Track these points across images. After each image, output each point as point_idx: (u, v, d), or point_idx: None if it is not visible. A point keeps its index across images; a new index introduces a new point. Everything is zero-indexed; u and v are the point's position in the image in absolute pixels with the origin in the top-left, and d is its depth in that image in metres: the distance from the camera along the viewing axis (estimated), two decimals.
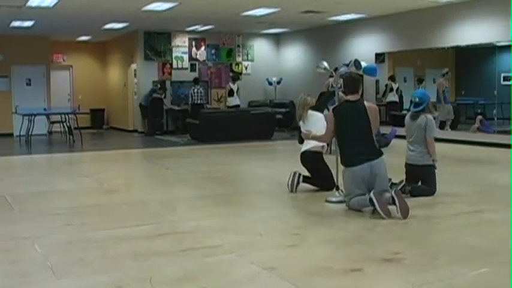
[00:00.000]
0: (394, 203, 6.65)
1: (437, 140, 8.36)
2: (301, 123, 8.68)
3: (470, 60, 16.86)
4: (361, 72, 7.93)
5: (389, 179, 7.40)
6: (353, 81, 7.25)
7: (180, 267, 4.91)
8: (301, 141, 8.76)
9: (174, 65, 20.74)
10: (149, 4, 14.61)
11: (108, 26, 18.57)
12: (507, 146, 13.77)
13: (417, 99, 8.04)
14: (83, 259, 5.20)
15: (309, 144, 8.48)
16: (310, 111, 8.61)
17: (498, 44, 15.16)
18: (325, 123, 7.81)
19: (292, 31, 21.41)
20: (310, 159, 8.50)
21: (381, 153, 7.00)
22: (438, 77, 16.71)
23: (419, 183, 8.03)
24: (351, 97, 7.18)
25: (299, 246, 5.65)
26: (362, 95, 7.52)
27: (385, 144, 7.79)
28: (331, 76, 13.53)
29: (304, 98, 8.77)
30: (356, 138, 7.05)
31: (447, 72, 16.36)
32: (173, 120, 20.65)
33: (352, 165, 6.99)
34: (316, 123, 8.39)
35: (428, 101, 8.08)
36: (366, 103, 7.15)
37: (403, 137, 8.48)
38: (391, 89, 17.85)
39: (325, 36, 19.90)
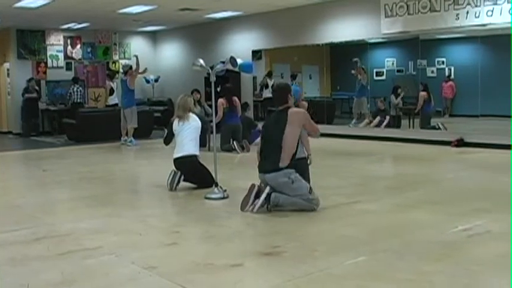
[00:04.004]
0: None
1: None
2: (175, 122, 8.64)
3: (345, 56, 17.30)
4: (236, 69, 8.02)
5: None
6: (275, 93, 7.26)
7: (58, 271, 4.80)
8: (168, 142, 8.76)
9: (49, 64, 20.18)
10: (21, 1, 14.17)
11: None
12: (380, 138, 14.30)
13: None
14: None
15: (182, 151, 8.49)
16: (192, 115, 8.62)
17: (370, 41, 15.69)
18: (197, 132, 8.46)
19: (169, 29, 21.32)
20: (185, 164, 8.46)
21: (278, 169, 6.79)
22: (314, 73, 17.06)
23: None
24: (280, 107, 7.12)
25: (179, 244, 5.65)
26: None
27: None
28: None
29: (185, 99, 8.77)
30: (267, 148, 7.02)
31: (356, 62, 16.46)
32: (49, 121, 20.05)
33: (258, 169, 7.07)
34: (190, 128, 8.51)
35: (298, 97, 8.27)
36: (291, 110, 6.98)
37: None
38: (267, 86, 17.99)
39: (202, 34, 19.94)
